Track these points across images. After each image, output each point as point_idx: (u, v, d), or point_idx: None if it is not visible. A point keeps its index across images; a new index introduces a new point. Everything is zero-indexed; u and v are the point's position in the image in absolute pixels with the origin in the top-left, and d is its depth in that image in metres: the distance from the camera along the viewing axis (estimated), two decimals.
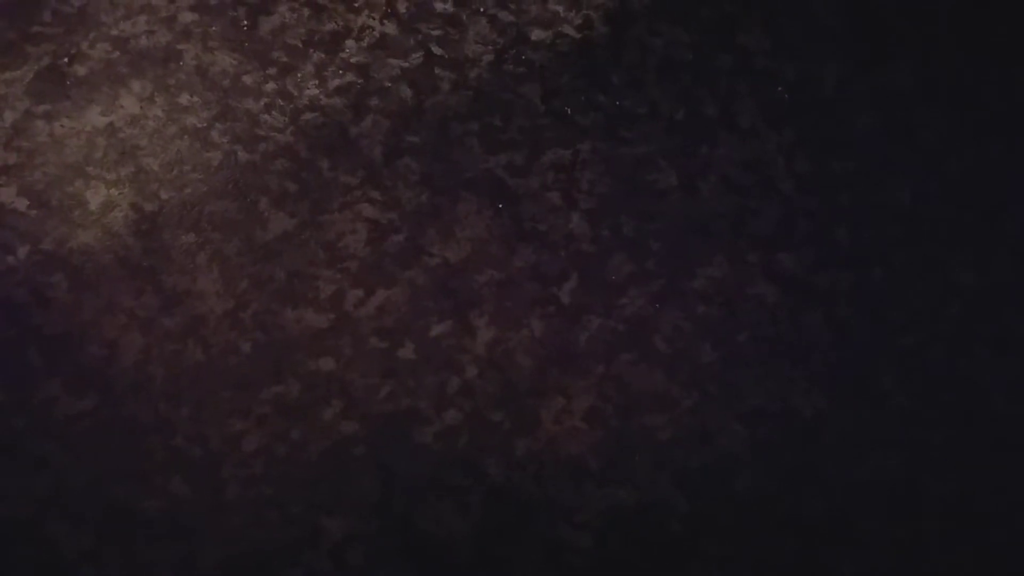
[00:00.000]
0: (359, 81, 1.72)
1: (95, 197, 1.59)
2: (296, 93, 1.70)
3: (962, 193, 1.74)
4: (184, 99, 1.67)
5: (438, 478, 1.46)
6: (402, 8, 1.79)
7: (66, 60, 1.65)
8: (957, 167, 1.76)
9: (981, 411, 1.59)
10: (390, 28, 1.77)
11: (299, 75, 1.71)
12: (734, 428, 1.55)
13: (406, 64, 1.74)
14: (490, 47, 1.77)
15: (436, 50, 1.76)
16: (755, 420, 1.55)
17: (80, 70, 1.66)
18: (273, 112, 1.68)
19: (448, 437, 1.49)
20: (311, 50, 1.73)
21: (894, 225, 1.71)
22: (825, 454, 1.54)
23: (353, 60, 1.74)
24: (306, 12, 1.76)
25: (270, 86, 1.69)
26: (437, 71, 1.74)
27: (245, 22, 1.73)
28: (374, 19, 1.77)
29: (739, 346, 1.60)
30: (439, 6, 1.79)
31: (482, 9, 1.79)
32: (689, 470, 1.51)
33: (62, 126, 1.64)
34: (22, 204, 1.57)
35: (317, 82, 1.71)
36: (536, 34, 1.80)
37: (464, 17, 1.79)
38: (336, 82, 1.72)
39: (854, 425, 1.57)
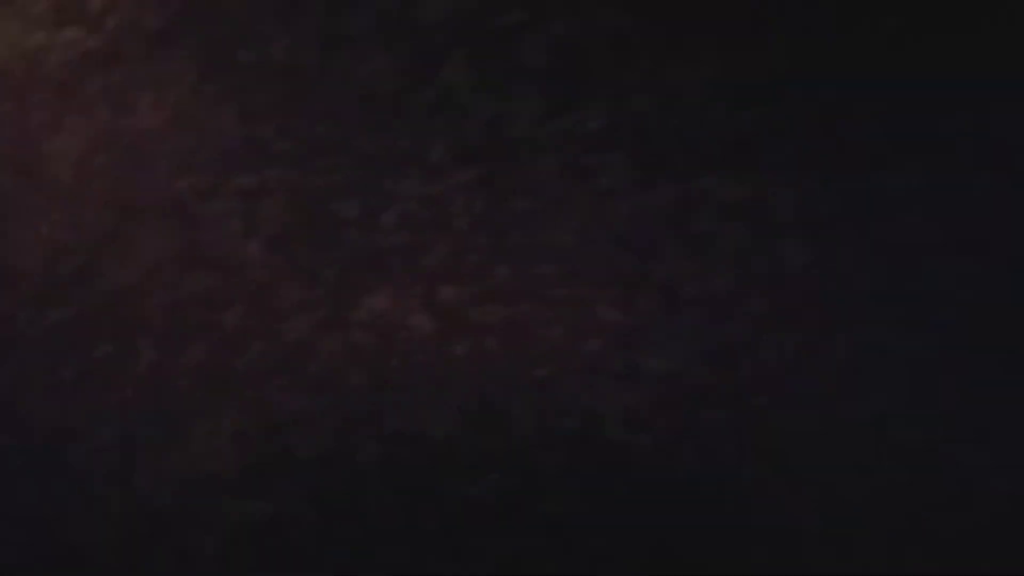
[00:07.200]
0: (57, 101, 1.81)
1: None
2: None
3: (622, 235, 1.88)
4: None
5: (88, 493, 1.65)
6: (111, 23, 1.86)
7: None
8: (622, 210, 1.89)
9: (595, 440, 1.78)
10: (94, 43, 1.84)
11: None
12: (371, 448, 1.74)
13: (107, 82, 1.82)
14: (194, 63, 1.85)
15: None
16: (392, 441, 1.74)
17: None
18: None
19: (100, 454, 1.67)
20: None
21: (552, 264, 1.85)
22: (448, 474, 1.74)
23: (54, 76, 1.82)
24: None
25: None
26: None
27: None
28: (83, 32, 1.84)
29: (389, 371, 1.77)
30: (148, 23, 1.86)
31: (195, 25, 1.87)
32: (323, 486, 1.70)
33: None
34: None
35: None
36: (242, 55, 1.88)
37: (175, 36, 1.86)
38: (35, 98, 1.81)
39: (479, 450, 1.76)
